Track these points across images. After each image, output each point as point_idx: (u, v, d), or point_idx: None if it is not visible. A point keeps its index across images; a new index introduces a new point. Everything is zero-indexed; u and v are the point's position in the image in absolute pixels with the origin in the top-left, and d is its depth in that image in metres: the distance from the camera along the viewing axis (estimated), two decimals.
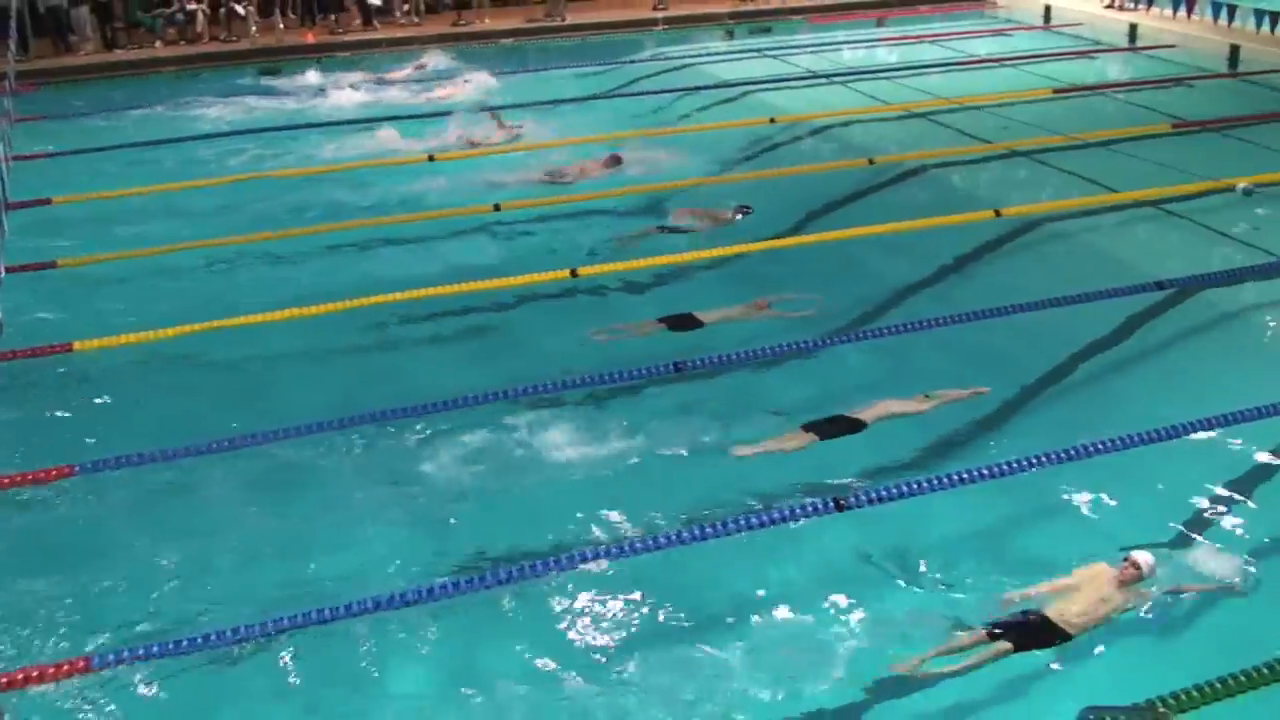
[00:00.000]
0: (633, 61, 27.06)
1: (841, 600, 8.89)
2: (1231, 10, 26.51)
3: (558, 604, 8.91)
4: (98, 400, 12.14)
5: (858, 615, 8.74)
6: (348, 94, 23.98)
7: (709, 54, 27.79)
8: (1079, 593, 8.60)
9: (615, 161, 18.67)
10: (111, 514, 10.09)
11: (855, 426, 11.04)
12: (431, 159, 19.16)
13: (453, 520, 9.99)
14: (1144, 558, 8.72)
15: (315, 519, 10.04)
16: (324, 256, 15.64)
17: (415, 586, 8.78)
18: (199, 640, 8.29)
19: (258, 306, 13.36)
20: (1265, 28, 26.00)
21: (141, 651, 8.17)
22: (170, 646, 8.23)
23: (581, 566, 9.09)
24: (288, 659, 8.41)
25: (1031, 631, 8.29)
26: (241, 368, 12.73)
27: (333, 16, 29.56)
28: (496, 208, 16.72)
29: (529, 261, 14.85)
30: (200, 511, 10.17)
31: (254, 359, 12.83)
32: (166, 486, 10.43)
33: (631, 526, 9.77)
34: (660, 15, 30.56)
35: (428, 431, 11.09)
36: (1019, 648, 8.18)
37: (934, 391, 11.50)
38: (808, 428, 10.97)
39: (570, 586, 9.02)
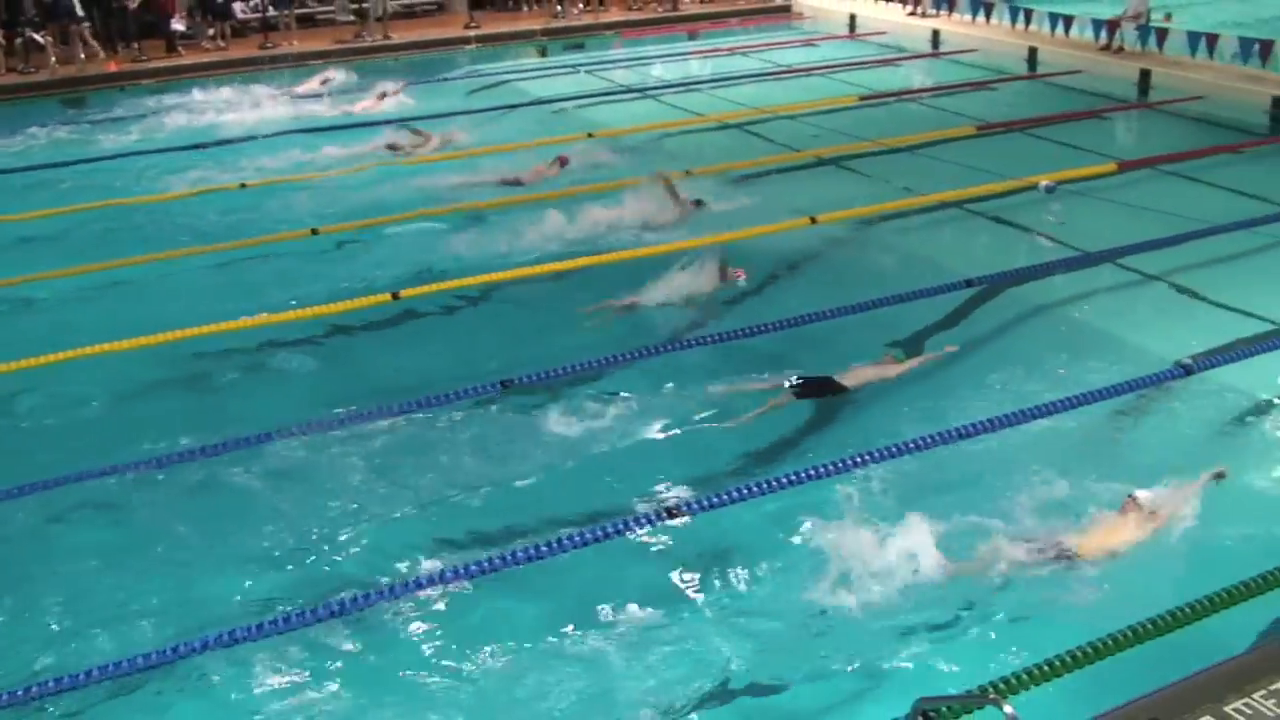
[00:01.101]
0: (445, 80, 26.85)
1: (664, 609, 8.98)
2: (1028, 14, 27.47)
3: (404, 629, 8.80)
4: None
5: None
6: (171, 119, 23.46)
7: (523, 71, 27.78)
8: (1097, 532, 9.33)
9: (563, 162, 19.23)
10: None
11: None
12: (243, 185, 18.77)
13: (276, 551, 9.79)
14: (1142, 494, 9.47)
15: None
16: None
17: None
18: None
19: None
20: (1060, 30, 26.99)
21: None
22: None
23: (420, 592, 9.01)
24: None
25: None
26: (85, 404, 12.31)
27: (135, 44, 28.69)
28: (314, 232, 16.44)
29: (351, 287, 14.62)
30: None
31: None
32: None
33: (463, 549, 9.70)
34: (473, 34, 30.45)
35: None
36: None
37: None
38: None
39: (414, 610, 8.93)
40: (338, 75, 26.13)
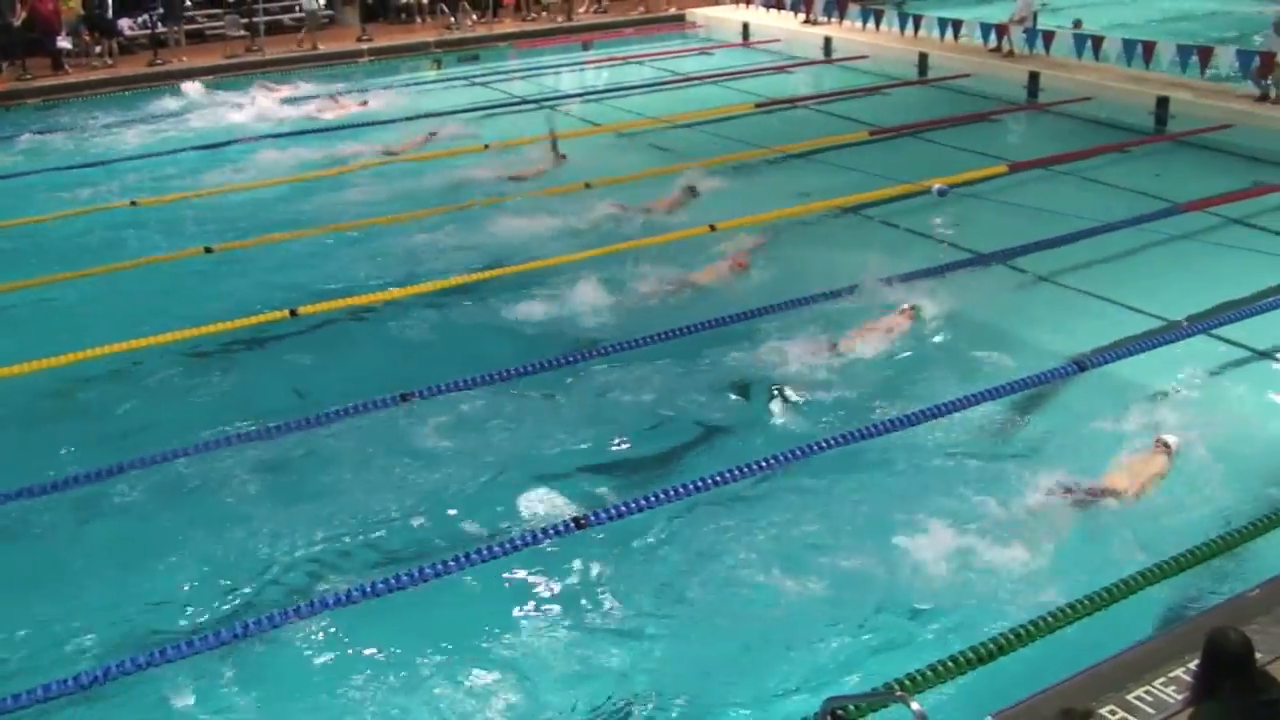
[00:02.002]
0: (340, 94, 26.57)
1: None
2: (917, 20, 27.85)
3: (307, 650, 8.70)
4: None
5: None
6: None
7: (419, 84, 27.58)
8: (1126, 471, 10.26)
9: (562, 157, 20.04)
10: None
11: None
12: (134, 204, 18.45)
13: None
14: (1170, 438, 10.46)
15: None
16: None
17: None
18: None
19: None
20: (949, 35, 27.39)
21: None
22: None
23: (328, 610, 8.90)
24: None
25: None
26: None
27: (20, 63, 28.02)
28: (208, 250, 16.19)
29: (246, 305, 14.41)
30: None
31: None
32: None
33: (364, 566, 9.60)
34: (365, 46, 30.20)
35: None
36: None
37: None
38: None
39: (319, 632, 8.83)
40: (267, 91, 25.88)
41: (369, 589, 9.08)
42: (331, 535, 10.00)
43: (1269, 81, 22.47)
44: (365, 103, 25.11)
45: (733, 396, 12.34)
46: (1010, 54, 26.97)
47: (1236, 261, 15.43)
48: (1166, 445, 10.48)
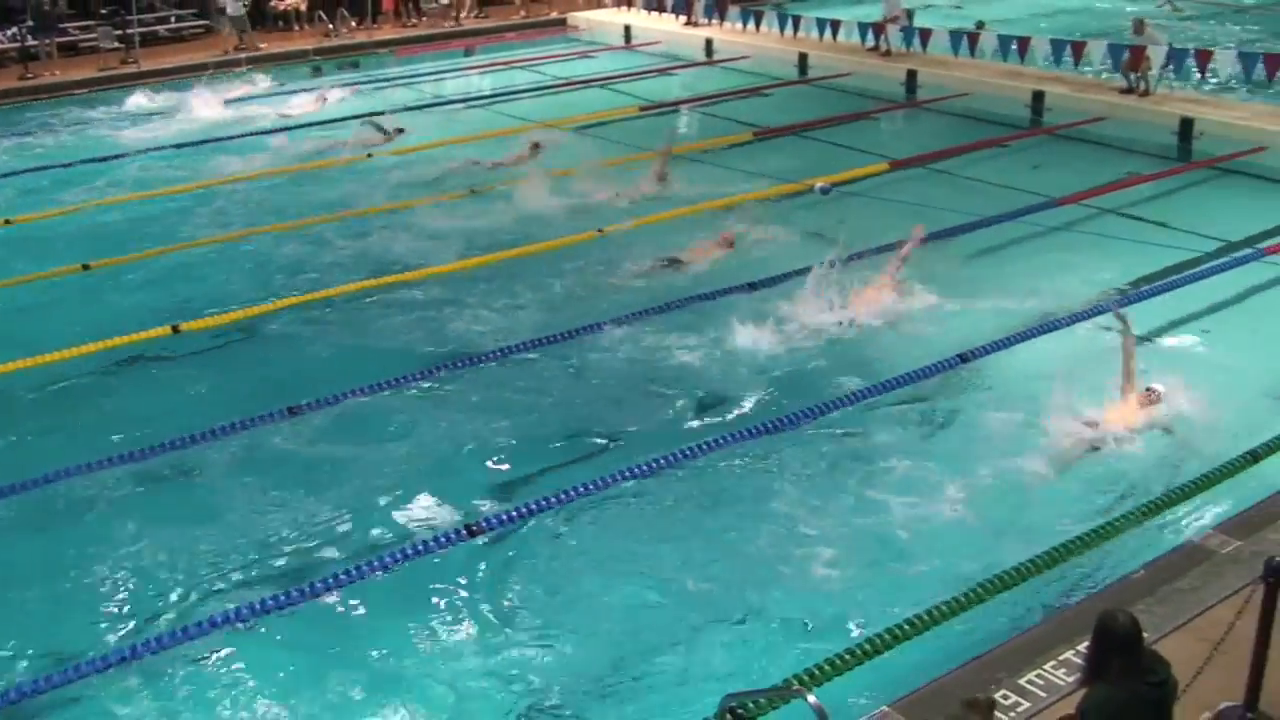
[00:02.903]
0: (215, 103, 26.04)
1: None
2: (796, 21, 28.10)
3: (202, 670, 8.55)
4: None
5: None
6: None
7: (300, 91, 27.14)
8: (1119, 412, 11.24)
9: (538, 147, 20.59)
10: None
11: None
12: (7, 222, 17.99)
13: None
14: (1158, 386, 11.46)
15: None
16: None
17: None
18: None
19: None
20: (828, 35, 27.67)
21: None
22: None
23: (218, 630, 8.76)
24: None
25: None
26: None
27: None
28: (85, 267, 15.84)
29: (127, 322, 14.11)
30: None
31: None
32: None
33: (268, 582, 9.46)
34: (244, 55, 29.74)
35: None
36: None
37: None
38: None
39: (209, 652, 8.68)
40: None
41: (259, 606, 8.97)
42: (221, 553, 9.85)
43: (1138, 75, 23.05)
44: (324, 99, 25.41)
45: (621, 398, 12.37)
46: (888, 53, 27.35)
47: (1112, 252, 15.79)
48: (1153, 391, 11.42)
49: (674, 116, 24.47)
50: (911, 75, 26.07)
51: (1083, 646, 6.56)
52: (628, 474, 10.60)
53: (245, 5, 30.01)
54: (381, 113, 21.24)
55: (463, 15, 33.81)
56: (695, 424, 11.85)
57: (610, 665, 8.56)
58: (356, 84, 26.88)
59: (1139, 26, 23.65)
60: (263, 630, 8.88)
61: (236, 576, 9.58)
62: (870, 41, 27.53)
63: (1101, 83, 24.32)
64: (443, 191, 19.06)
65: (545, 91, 26.74)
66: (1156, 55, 22.43)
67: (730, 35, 30.28)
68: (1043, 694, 7.46)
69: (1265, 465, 10.37)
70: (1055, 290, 14.43)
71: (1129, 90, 23.25)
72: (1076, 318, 13.63)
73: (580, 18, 34.30)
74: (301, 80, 28.02)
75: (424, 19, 33.61)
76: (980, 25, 27.18)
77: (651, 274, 15.36)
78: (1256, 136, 20.76)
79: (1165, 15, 33.80)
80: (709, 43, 30.41)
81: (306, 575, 9.45)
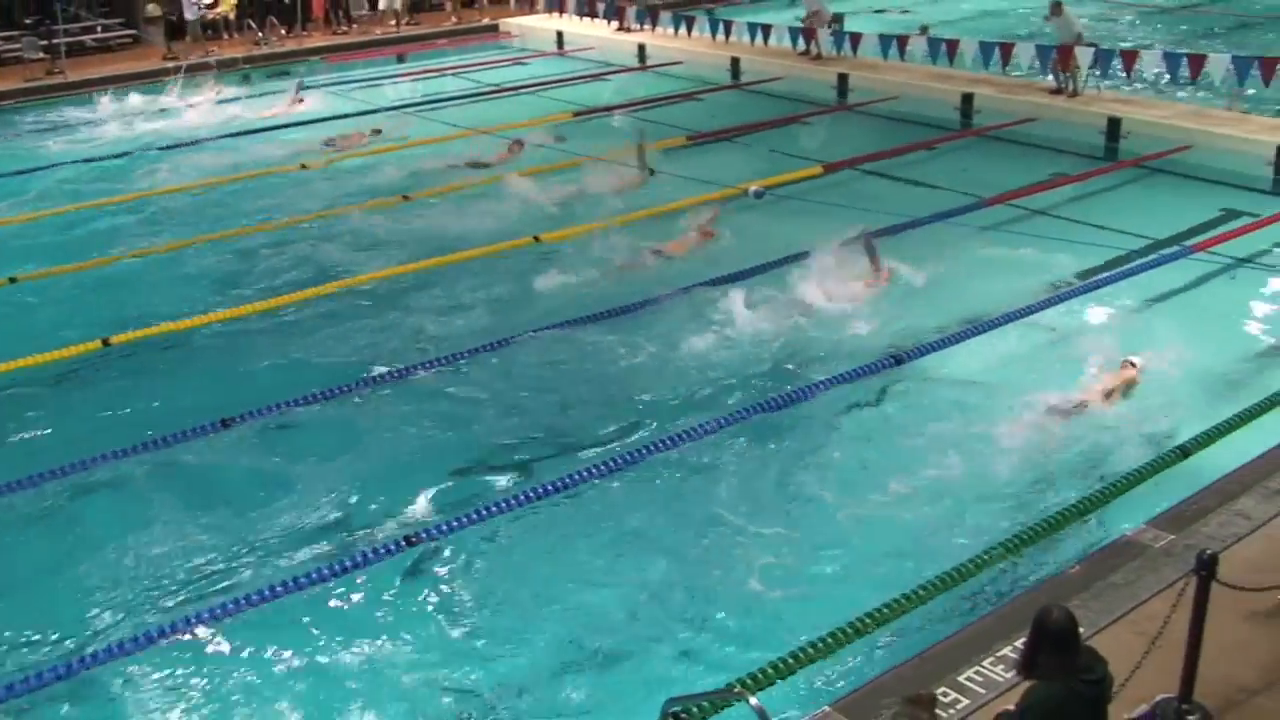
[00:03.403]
0: (146, 113, 25.77)
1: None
2: (728, 25, 28.17)
3: (138, 687, 8.45)
4: None
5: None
6: None
7: (229, 100, 26.89)
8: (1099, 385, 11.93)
9: (519, 145, 21.61)
10: None
11: None
12: None
13: None
14: (1136, 358, 12.16)
15: None
16: None
17: None
18: None
19: None
20: (759, 39, 27.78)
21: None
22: None
23: (153, 645, 8.68)
24: None
25: None
26: None
27: None
28: (12, 280, 15.59)
29: (55, 336, 13.90)
30: None
31: None
32: None
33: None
34: (172, 65, 29.37)
35: None
36: None
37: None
38: None
39: (146, 667, 8.58)
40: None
41: (194, 619, 8.91)
42: (156, 566, 9.74)
43: (1066, 75, 23.35)
44: (302, 99, 25.80)
45: (556, 405, 12.37)
46: (818, 57, 27.52)
47: (1042, 250, 15.96)
48: (1133, 364, 12.07)
49: (612, 118, 24.52)
50: (843, 79, 26.25)
51: (1020, 642, 6.62)
52: (564, 483, 10.59)
53: (168, 14, 29.71)
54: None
55: (393, 22, 33.63)
56: (633, 429, 11.85)
57: (551, 673, 8.55)
58: (288, 93, 26.61)
59: (1056, 9, 23.88)
60: (196, 645, 8.78)
61: (167, 592, 9.46)
62: (801, 46, 27.65)
63: (1030, 84, 24.60)
64: (378, 196, 18.97)
65: (478, 98, 26.64)
66: (1084, 56, 22.70)
67: (662, 40, 30.33)
68: (982, 690, 7.52)
69: (1195, 460, 10.53)
70: (984, 291, 14.61)
71: (1058, 91, 23.54)
72: (1008, 318, 13.79)
73: (512, 24, 34.25)
74: (235, 86, 27.75)
75: (354, 26, 33.41)
76: (924, 29, 27.43)
77: (592, 281, 15.34)
78: (1182, 135, 21.10)
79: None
80: (641, 48, 30.44)
81: (240, 588, 9.37)
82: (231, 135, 23.28)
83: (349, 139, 22.48)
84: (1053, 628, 6.06)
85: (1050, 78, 24.03)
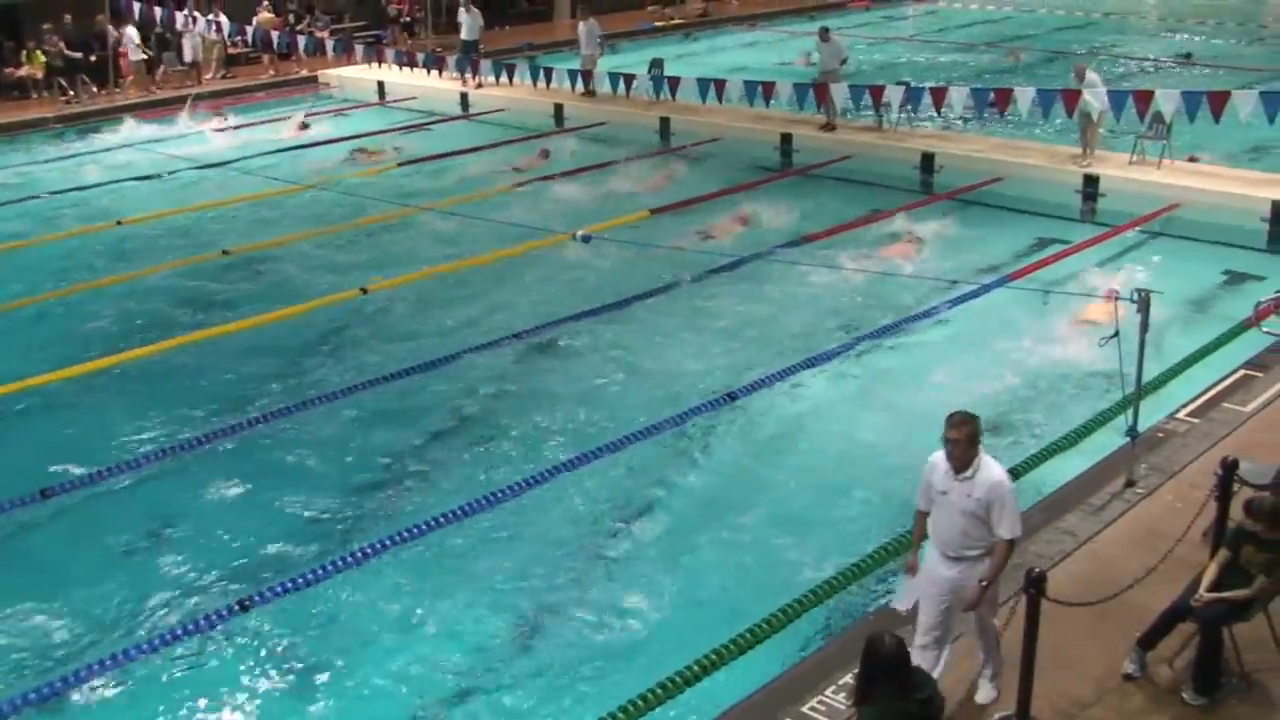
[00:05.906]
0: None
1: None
2: (549, 72, 28.24)
3: None
4: None
5: None
6: None
7: (33, 161, 26.04)
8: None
9: (547, 154, 24.07)
10: None
11: None
12: None
13: None
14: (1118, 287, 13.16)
15: None
16: None
17: None
18: None
19: None
20: (580, 86, 27.96)
21: None
22: None
23: None
24: None
25: None
26: None
27: None
28: None
29: None
30: None
31: None
32: None
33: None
34: None
35: None
36: None
37: None
38: None
39: None
40: None
41: (19, 702, 8.59)
42: None
43: (825, 106, 24.35)
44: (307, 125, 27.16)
45: (389, 459, 12.28)
46: (591, 94, 28.27)
47: (862, 286, 16.30)
48: (1113, 290, 12.75)
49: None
50: (665, 122, 26.58)
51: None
52: (405, 535, 10.53)
53: None
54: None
55: (208, 76, 32.98)
56: (488, 466, 11.96)
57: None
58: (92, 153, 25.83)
59: (824, 34, 25.00)
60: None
61: None
62: (621, 90, 27.71)
63: (845, 122, 25.16)
64: (198, 252, 18.64)
65: (300, 151, 26.08)
66: (894, 94, 23.29)
67: (484, 89, 30.26)
68: (824, 719, 7.62)
69: (1022, 481, 10.73)
70: (805, 326, 15.04)
71: (828, 125, 24.46)
72: (829, 355, 14.12)
73: (332, 75, 33.79)
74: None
75: (168, 82, 32.65)
76: (808, 57, 28.01)
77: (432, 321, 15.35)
78: (994, 168, 21.84)
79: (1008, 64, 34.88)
80: (464, 96, 30.36)
81: (69, 661, 9.08)
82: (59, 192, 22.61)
83: None
84: (884, 654, 6.19)
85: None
